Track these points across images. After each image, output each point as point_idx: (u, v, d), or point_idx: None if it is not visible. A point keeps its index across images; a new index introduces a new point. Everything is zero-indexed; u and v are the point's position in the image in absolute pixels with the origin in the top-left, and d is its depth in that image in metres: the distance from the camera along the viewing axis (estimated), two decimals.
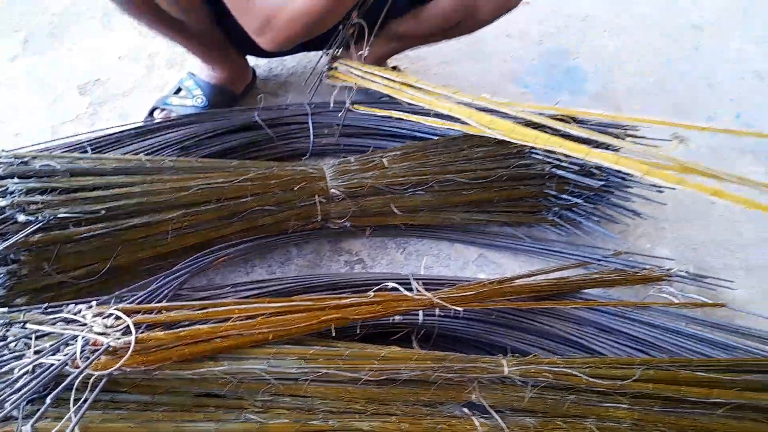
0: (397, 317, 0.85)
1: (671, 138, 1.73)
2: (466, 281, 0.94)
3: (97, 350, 0.54)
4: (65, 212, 0.82)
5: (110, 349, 0.55)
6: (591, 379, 0.69)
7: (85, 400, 0.53)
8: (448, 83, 1.54)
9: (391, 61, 1.45)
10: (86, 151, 1.01)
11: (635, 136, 1.16)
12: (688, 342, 0.90)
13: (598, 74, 1.61)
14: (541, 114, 1.01)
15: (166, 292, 0.74)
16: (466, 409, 0.72)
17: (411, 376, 0.69)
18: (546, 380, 0.70)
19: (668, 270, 1.05)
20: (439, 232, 1.16)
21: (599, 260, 1.10)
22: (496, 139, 1.14)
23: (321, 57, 1.18)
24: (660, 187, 1.20)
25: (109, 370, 0.55)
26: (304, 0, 0.92)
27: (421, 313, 0.87)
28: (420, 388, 0.70)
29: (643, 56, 1.70)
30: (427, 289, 0.89)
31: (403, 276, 0.94)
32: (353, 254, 1.11)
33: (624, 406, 0.71)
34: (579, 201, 1.11)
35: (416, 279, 0.92)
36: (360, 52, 1.10)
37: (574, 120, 1.10)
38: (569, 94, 1.53)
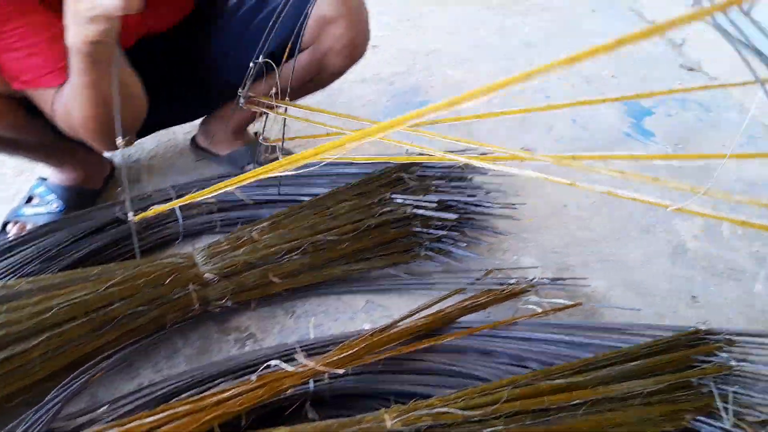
0: (287, 392, 0.87)
1: (522, 149, 1.89)
2: (353, 335, 0.98)
3: None
4: None
5: None
6: (465, 413, 0.75)
7: None
8: (310, 133, 1.60)
9: (251, 128, 1.49)
10: None
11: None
12: (559, 347, 0.99)
13: None
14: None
15: (37, 430, 0.72)
16: None
17: None
18: (426, 424, 0.75)
19: (531, 280, 1.15)
20: (324, 288, 1.19)
21: (472, 283, 1.18)
22: (358, 192, 1.21)
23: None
24: (514, 204, 1.32)
25: None
26: (77, 118, 0.93)
27: (311, 381, 0.90)
28: None
29: (486, 80, 1.86)
30: (315, 354, 0.93)
31: (290, 346, 0.97)
32: (242, 330, 1.11)
33: (501, 427, 0.77)
34: (443, 233, 1.20)
35: (302, 347, 0.95)
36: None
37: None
38: None
